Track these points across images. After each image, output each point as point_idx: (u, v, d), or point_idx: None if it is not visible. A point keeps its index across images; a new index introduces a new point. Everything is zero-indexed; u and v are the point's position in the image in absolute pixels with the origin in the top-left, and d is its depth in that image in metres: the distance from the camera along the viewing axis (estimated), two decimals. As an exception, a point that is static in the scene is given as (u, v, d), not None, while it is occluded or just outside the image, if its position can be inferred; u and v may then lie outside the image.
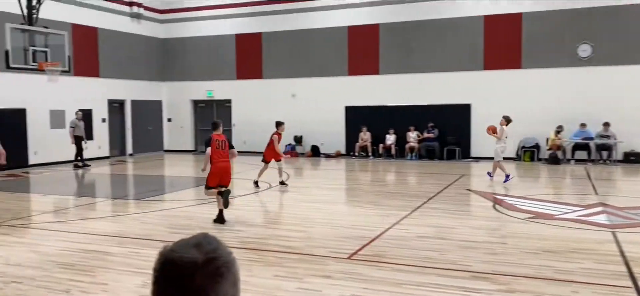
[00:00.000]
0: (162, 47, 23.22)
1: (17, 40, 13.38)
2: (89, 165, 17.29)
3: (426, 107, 19.22)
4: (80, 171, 16.82)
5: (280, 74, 21.39)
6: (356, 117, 20.15)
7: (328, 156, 20.52)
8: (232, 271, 1.20)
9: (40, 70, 13.99)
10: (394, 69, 19.68)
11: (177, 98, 23.28)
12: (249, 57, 21.87)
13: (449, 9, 18.87)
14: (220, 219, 8.66)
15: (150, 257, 6.96)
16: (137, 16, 21.81)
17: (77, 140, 17.27)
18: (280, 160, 12.85)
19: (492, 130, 13.48)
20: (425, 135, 19.21)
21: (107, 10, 20.44)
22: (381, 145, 19.68)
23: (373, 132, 19.72)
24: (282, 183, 12.69)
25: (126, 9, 21.39)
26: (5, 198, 11.53)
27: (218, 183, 8.70)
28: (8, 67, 13.30)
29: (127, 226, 8.69)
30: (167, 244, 1.23)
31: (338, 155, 20.52)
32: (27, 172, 16.25)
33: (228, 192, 8.65)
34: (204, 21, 22.54)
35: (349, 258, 6.56)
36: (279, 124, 12.92)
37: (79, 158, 17.29)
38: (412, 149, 19.18)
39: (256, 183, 12.68)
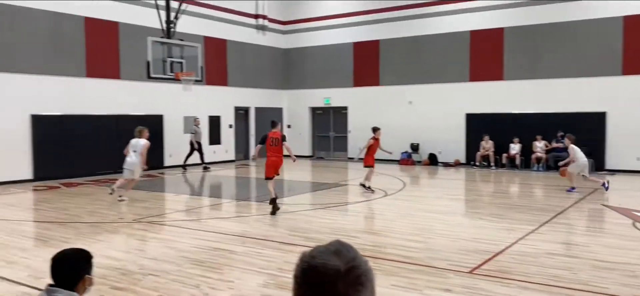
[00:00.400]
0: (283, 56, 24.15)
1: (157, 52, 14.57)
2: (185, 170, 18.42)
3: (555, 114, 17.98)
4: (207, 173, 17.98)
5: (397, 80, 21.24)
6: (478, 124, 19.40)
7: (446, 165, 19.96)
8: (370, 279, 1.21)
9: (176, 80, 15.12)
10: (520, 75, 18.68)
11: (296, 106, 24.05)
12: (366, 64, 21.99)
13: (583, 10, 17.52)
14: (273, 205, 10.01)
15: (271, 258, 7.21)
16: (262, 28, 22.91)
17: (198, 145, 18.59)
18: (371, 166, 13.04)
19: (563, 174, 13.30)
20: (554, 144, 17.95)
21: (235, 23, 21.74)
22: (505, 155, 18.75)
23: (496, 140, 18.84)
24: (363, 185, 12.98)
25: (252, 21, 22.58)
26: (143, 197, 12.62)
27: (273, 174, 10.34)
28: (149, 77, 14.55)
29: (250, 227, 9.10)
30: (305, 250, 1.26)
31: (457, 164, 19.88)
32: (162, 173, 17.69)
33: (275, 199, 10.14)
34: (323, 31, 23.07)
35: (470, 272, 6.31)
36: (375, 130, 13.12)
37: (188, 161, 18.53)
38: (539, 160, 18.04)
39: (365, 186, 12.96)
